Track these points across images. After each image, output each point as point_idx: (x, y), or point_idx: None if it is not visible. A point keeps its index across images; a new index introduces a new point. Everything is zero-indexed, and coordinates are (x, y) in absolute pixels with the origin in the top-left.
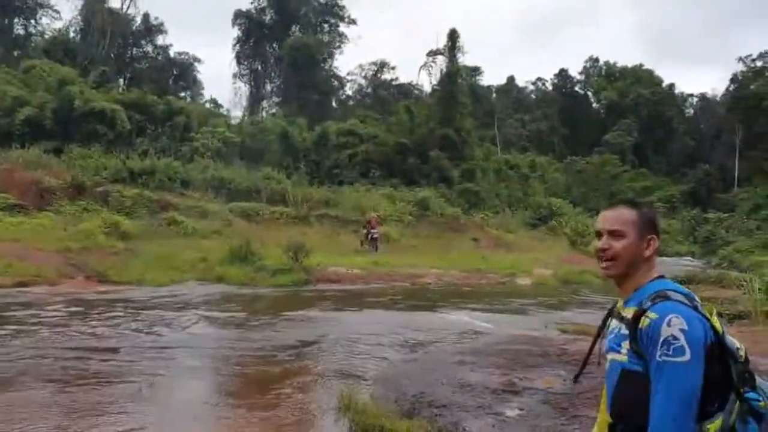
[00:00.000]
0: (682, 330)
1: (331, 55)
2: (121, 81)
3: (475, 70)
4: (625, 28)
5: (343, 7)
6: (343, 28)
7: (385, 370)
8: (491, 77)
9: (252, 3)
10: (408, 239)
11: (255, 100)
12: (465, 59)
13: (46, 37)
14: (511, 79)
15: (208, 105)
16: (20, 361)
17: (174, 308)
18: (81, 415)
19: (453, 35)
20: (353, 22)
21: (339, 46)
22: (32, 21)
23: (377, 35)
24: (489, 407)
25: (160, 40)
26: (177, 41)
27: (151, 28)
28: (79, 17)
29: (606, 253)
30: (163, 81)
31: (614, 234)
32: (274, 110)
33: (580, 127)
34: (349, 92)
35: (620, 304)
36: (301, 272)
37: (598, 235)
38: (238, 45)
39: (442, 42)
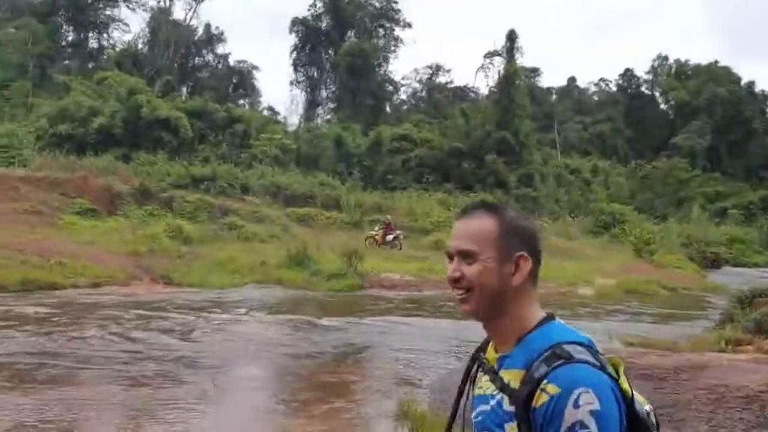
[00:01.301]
0: (593, 412)
1: (386, 60)
2: (184, 89)
3: (534, 71)
4: (697, 23)
5: (399, 10)
6: (398, 31)
7: (442, 378)
8: (551, 78)
9: (309, 10)
10: None
11: (311, 107)
12: (523, 60)
13: (117, 49)
14: (572, 80)
15: (265, 112)
16: (92, 358)
17: (235, 311)
18: (149, 413)
19: (511, 36)
20: (408, 25)
21: (394, 50)
22: (105, 35)
23: (433, 38)
24: None
25: (221, 48)
26: (236, 49)
27: (212, 38)
28: (146, 29)
29: (458, 282)
30: (223, 89)
31: (464, 254)
32: (329, 116)
33: (646, 130)
34: (404, 96)
35: (492, 353)
36: (355, 277)
37: (449, 256)
38: (294, 52)
39: (499, 43)
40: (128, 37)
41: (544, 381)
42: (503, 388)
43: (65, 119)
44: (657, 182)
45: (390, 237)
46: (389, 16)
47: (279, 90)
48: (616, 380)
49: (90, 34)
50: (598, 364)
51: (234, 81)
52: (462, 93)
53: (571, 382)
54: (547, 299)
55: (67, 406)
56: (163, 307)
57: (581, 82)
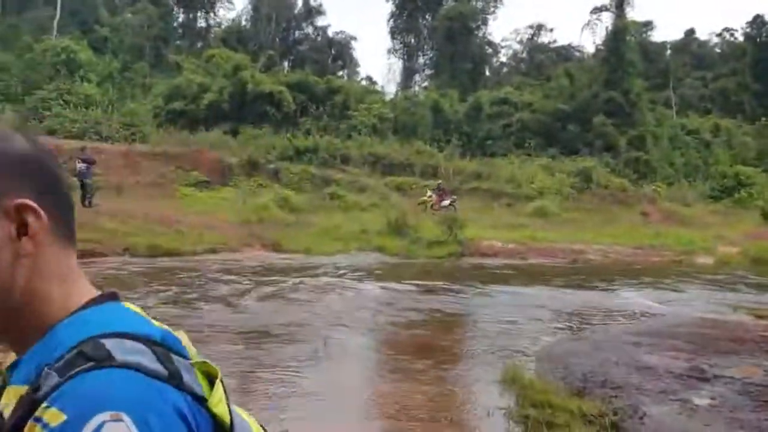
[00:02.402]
0: None
1: (485, 22)
2: (286, 64)
3: (647, 25)
4: None
5: None
6: None
7: (550, 346)
8: (666, 32)
9: None
10: (568, 213)
11: (408, 75)
12: (634, 14)
13: (223, 27)
14: (689, 32)
15: (363, 82)
16: (214, 319)
17: (341, 276)
18: (261, 371)
19: None
20: None
21: (493, 11)
22: (211, 14)
23: None
24: (673, 393)
25: (320, 21)
26: (335, 21)
27: (311, 11)
28: (249, 6)
29: None
30: (322, 61)
31: None
32: (426, 83)
33: None
34: (504, 59)
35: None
36: (455, 245)
37: None
38: (391, 20)
39: None
40: (232, 15)
41: (44, 404)
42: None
43: (178, 97)
44: None
45: (446, 202)
46: None
47: (377, 59)
48: (203, 399)
49: (198, 14)
50: (164, 371)
51: (333, 52)
52: (566, 52)
53: (91, 401)
54: (660, 268)
55: None
56: (274, 272)
57: (701, 34)
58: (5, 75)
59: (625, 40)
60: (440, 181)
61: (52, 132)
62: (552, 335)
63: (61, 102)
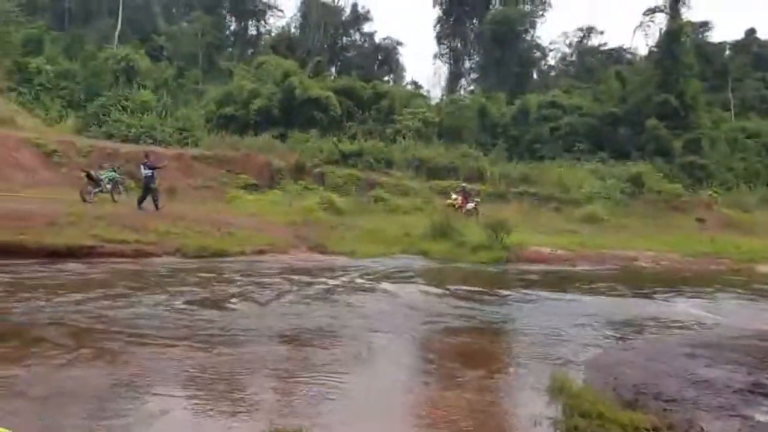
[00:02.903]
0: None
1: (533, 25)
2: (333, 69)
3: (703, 26)
4: None
5: None
6: None
7: (599, 356)
8: (724, 32)
9: None
10: (618, 219)
11: (454, 79)
12: (690, 14)
13: (273, 34)
14: (750, 32)
15: (409, 87)
16: (255, 320)
17: (385, 278)
18: (305, 372)
19: None
20: None
21: (542, 14)
22: (262, 21)
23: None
24: (732, 408)
25: (367, 27)
26: (381, 27)
27: (358, 17)
28: (298, 13)
29: None
30: (369, 66)
31: None
32: (472, 87)
33: None
34: (552, 62)
35: None
36: (501, 250)
37: None
38: (438, 25)
39: None
40: (282, 22)
41: None
42: None
43: (229, 102)
44: None
45: (470, 205)
46: None
47: (423, 64)
48: None
49: (249, 22)
50: None
51: (379, 58)
52: (617, 55)
53: None
54: (717, 277)
55: (234, 365)
56: (320, 273)
57: (762, 34)
58: (70, 83)
59: (679, 42)
60: (464, 183)
61: (110, 136)
62: (601, 344)
63: (120, 108)
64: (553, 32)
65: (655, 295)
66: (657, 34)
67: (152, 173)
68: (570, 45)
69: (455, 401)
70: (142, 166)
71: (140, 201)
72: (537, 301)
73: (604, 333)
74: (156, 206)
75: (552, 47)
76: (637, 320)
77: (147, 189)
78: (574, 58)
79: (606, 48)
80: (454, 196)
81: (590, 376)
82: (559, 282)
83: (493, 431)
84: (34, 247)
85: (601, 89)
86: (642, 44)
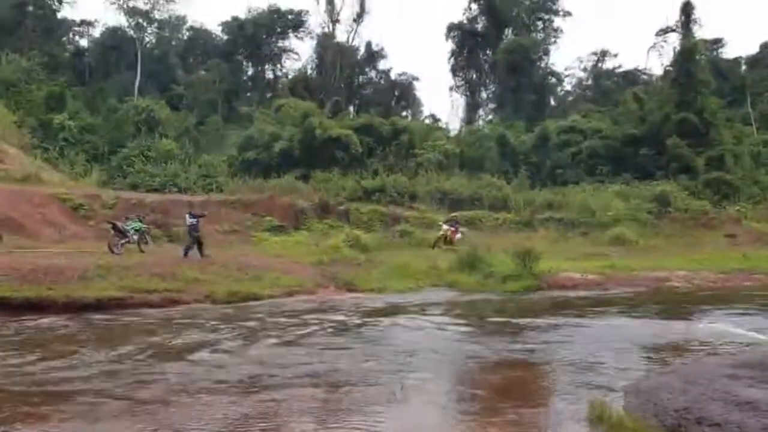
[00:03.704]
0: None
1: (546, 53)
2: (351, 108)
3: (716, 43)
4: None
5: (556, 0)
6: (557, 22)
7: (638, 381)
8: (739, 48)
9: (464, 14)
10: (647, 239)
11: (471, 110)
12: (702, 32)
13: (290, 77)
14: (765, 45)
15: (427, 120)
16: (290, 361)
17: (414, 313)
18: (341, 414)
19: (687, 8)
20: (568, 14)
21: (554, 41)
22: (278, 65)
23: (596, 23)
24: None
25: (382, 64)
26: (396, 63)
27: (373, 55)
28: (314, 55)
29: None
30: (386, 103)
31: None
32: (490, 117)
33: None
34: (568, 87)
35: None
36: (531, 278)
37: None
38: (452, 58)
39: (673, 18)
40: (298, 65)
41: None
42: None
43: (251, 146)
44: None
45: (459, 236)
46: (546, 7)
47: (439, 97)
48: None
49: (266, 66)
50: None
51: (396, 94)
52: (632, 76)
53: None
54: (752, 294)
55: (267, 409)
56: (350, 311)
57: None
58: (93, 136)
59: (694, 59)
60: (454, 214)
61: (135, 187)
62: (639, 369)
63: (143, 158)
64: (567, 58)
65: (691, 315)
66: (671, 54)
67: (196, 221)
68: (585, 69)
69: None
70: (187, 216)
71: (186, 250)
72: (571, 327)
73: (641, 357)
74: (201, 254)
75: (567, 72)
76: (674, 342)
77: (192, 237)
78: (590, 81)
79: (621, 70)
80: (445, 227)
81: (630, 402)
82: (593, 307)
83: None
84: (63, 301)
85: (619, 111)
86: (656, 64)
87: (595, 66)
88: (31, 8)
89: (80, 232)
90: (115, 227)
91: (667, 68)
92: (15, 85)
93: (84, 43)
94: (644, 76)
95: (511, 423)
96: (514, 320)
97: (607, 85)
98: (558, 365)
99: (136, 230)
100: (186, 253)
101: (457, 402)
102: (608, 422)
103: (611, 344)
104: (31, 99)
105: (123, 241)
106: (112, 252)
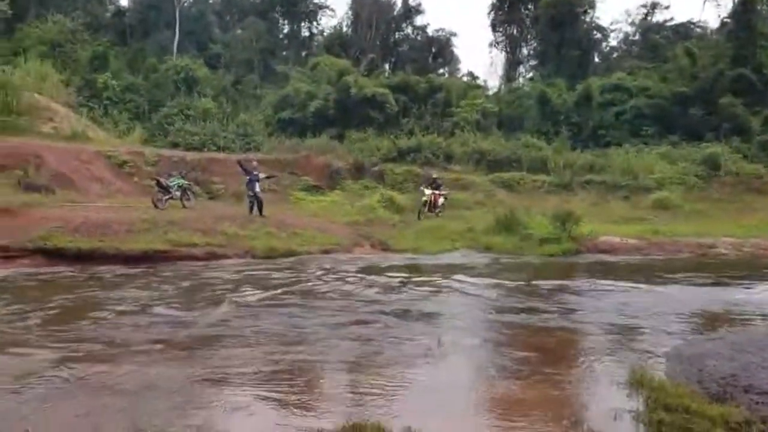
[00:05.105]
0: None
1: (592, 6)
2: (387, 65)
3: None
4: None
5: None
6: None
7: (681, 347)
8: None
9: None
10: (693, 204)
11: (511, 67)
12: None
13: (326, 35)
14: None
15: (465, 78)
16: (323, 317)
17: (449, 274)
18: (375, 368)
19: None
20: None
21: None
22: (314, 23)
23: None
24: None
25: (419, 20)
26: (434, 19)
27: (410, 11)
28: (349, 12)
29: None
30: (423, 60)
31: None
32: (531, 74)
33: None
34: (614, 43)
35: None
36: (570, 242)
37: None
38: (492, 12)
39: None
40: (334, 22)
41: None
42: None
43: (287, 106)
44: None
45: (441, 200)
46: None
47: (478, 54)
48: None
49: (302, 24)
50: None
51: (433, 51)
52: (685, 30)
53: None
54: None
55: (301, 364)
56: (387, 270)
57: None
58: (135, 95)
59: (755, 10)
60: (435, 175)
61: (176, 145)
62: (683, 335)
63: (182, 117)
64: (614, 11)
65: (739, 283)
66: (729, 5)
67: (249, 179)
68: (633, 23)
69: (530, 394)
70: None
71: (251, 208)
72: (611, 292)
73: (684, 323)
74: (260, 213)
75: (613, 27)
76: (720, 309)
77: (251, 195)
78: (637, 37)
79: (672, 24)
80: (428, 192)
81: (672, 368)
82: (634, 272)
83: (573, 426)
84: (112, 252)
85: (668, 68)
86: (712, 17)
87: (644, 19)
88: None
89: (124, 187)
90: (158, 183)
91: (724, 20)
92: (61, 45)
93: (124, 2)
94: (698, 30)
95: (549, 383)
96: (552, 282)
97: (657, 39)
98: (597, 329)
99: (179, 186)
100: (251, 210)
101: (493, 360)
102: (649, 386)
103: (653, 309)
104: (76, 59)
105: (167, 197)
106: (156, 207)
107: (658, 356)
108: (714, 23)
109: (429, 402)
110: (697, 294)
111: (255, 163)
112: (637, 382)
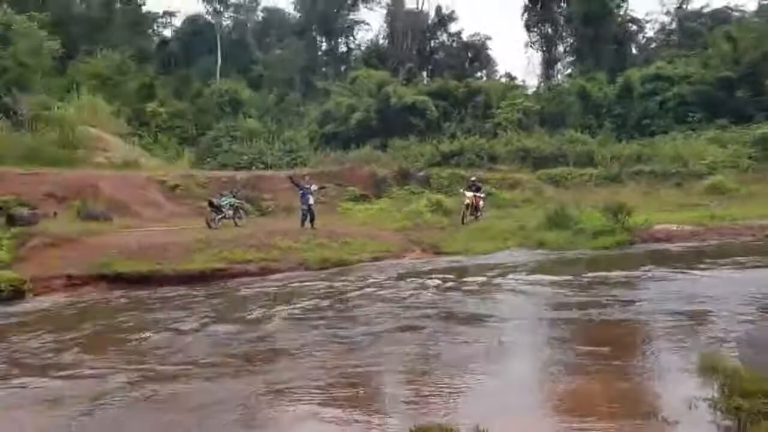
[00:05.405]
0: None
1: None
2: (425, 73)
3: None
4: None
5: None
6: None
7: (752, 331)
8: None
9: None
10: (748, 186)
11: (549, 65)
12: None
13: (363, 48)
14: None
15: (503, 80)
16: (382, 322)
17: (504, 273)
18: (436, 371)
19: None
20: None
21: None
22: (351, 37)
23: None
24: None
25: (453, 27)
26: (468, 24)
27: (443, 18)
28: (384, 24)
29: None
30: (459, 66)
31: None
32: (569, 71)
33: None
34: (650, 34)
35: None
36: (624, 233)
37: None
38: (525, 13)
39: None
40: (370, 35)
41: None
42: None
43: (329, 120)
44: None
45: (482, 203)
46: None
47: (514, 55)
48: None
49: (339, 40)
50: None
51: (469, 55)
52: (722, 15)
53: None
54: None
55: (360, 365)
56: (440, 272)
57: None
58: (182, 121)
59: None
60: (473, 178)
61: (224, 166)
62: (752, 319)
63: (229, 138)
64: (648, 2)
65: None
66: None
67: (303, 193)
68: (668, 13)
69: (599, 388)
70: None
71: (303, 220)
72: (671, 279)
73: (752, 308)
74: (311, 225)
75: (649, 18)
76: None
77: (304, 209)
78: (673, 25)
79: (709, 9)
80: (468, 194)
81: (745, 353)
82: (693, 258)
83: (647, 417)
84: (171, 274)
85: (709, 54)
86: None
87: (679, 8)
88: (118, 5)
89: (177, 210)
90: (211, 204)
91: (763, 2)
92: (110, 78)
93: (167, 33)
94: (736, 14)
95: (621, 375)
96: (611, 274)
97: (694, 27)
98: (663, 317)
99: (231, 205)
100: (303, 223)
101: (556, 356)
102: (722, 373)
103: (718, 294)
104: (125, 90)
105: (219, 216)
106: (210, 227)
107: (728, 341)
108: (753, 6)
109: (493, 401)
110: (762, 277)
111: (307, 177)
112: (710, 369)
